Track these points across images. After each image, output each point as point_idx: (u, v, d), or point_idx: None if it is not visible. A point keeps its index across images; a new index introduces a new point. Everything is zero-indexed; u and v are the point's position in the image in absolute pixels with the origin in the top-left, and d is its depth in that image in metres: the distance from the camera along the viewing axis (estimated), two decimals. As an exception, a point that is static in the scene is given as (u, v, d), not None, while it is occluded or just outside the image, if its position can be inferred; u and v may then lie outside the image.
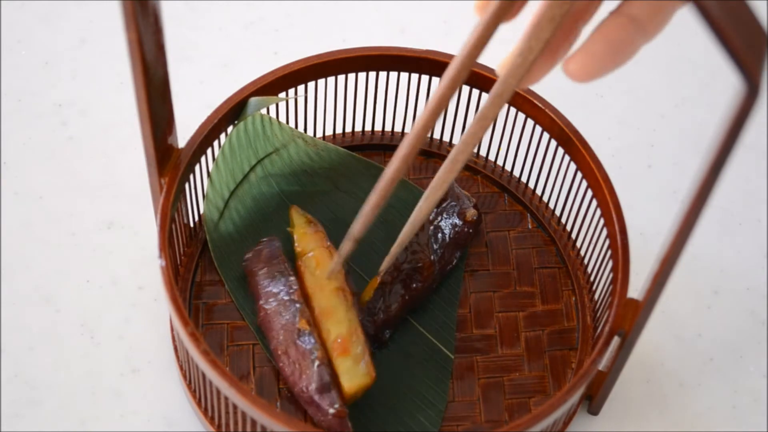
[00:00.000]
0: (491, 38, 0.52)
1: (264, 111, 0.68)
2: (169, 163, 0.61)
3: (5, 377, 0.64)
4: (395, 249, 0.63)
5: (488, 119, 0.54)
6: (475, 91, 0.76)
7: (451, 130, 0.74)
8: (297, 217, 0.67)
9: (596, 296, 0.67)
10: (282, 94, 0.68)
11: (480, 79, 0.68)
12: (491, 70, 0.68)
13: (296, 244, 0.66)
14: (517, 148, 0.72)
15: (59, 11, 0.81)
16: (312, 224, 0.67)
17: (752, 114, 0.43)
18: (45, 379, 0.64)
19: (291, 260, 0.66)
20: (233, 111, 0.64)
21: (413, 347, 0.66)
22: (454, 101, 0.75)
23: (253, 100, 0.65)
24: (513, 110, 0.71)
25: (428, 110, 0.54)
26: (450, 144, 0.74)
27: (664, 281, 0.54)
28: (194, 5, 0.83)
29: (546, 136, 0.69)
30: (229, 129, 0.66)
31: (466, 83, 0.68)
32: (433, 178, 0.73)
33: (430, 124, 0.55)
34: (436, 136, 0.75)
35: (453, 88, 0.53)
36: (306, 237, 0.66)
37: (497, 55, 0.80)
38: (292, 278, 0.64)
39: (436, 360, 0.66)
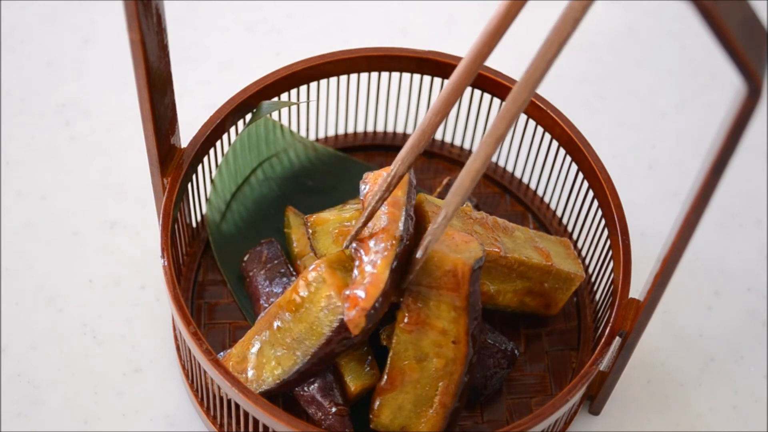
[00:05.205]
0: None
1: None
2: (172, 163, 0.61)
3: (7, 376, 0.64)
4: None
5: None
6: (477, 92, 0.76)
7: (453, 130, 0.74)
8: (293, 218, 0.67)
9: (597, 296, 0.67)
10: (285, 96, 0.68)
11: (480, 79, 0.68)
12: (492, 70, 0.68)
13: (294, 245, 0.66)
14: (518, 148, 0.72)
15: (62, 11, 0.82)
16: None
17: (754, 115, 0.43)
18: (47, 379, 0.65)
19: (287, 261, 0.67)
20: (236, 111, 0.65)
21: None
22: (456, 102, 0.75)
23: (265, 103, 0.65)
24: (514, 111, 0.71)
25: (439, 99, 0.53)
26: (451, 144, 0.75)
27: (665, 282, 0.54)
28: (197, 6, 0.83)
29: (547, 136, 0.69)
30: (232, 129, 0.66)
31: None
32: (434, 178, 0.73)
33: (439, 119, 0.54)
34: (438, 136, 0.75)
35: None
36: (305, 237, 0.66)
37: (499, 56, 0.80)
38: (294, 278, 0.64)
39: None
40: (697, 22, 0.83)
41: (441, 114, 0.53)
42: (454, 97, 0.53)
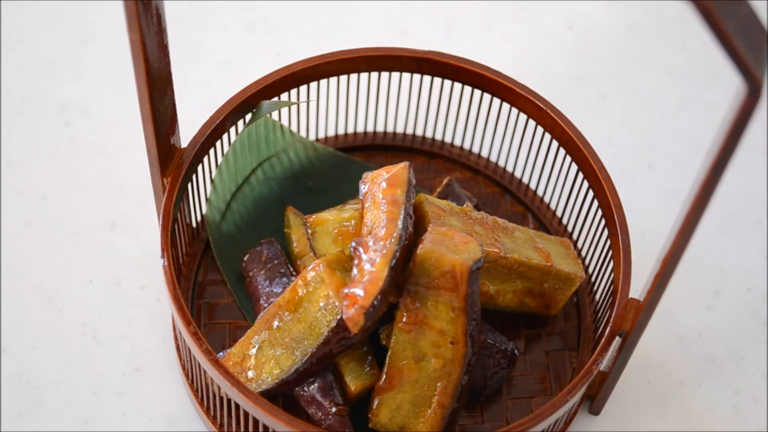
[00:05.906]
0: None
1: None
2: (172, 162, 0.61)
3: (8, 376, 0.64)
4: None
5: None
6: (477, 92, 0.76)
7: (453, 130, 0.74)
8: (293, 218, 0.67)
9: (597, 296, 0.67)
10: (285, 96, 0.68)
11: (480, 79, 0.68)
12: (492, 70, 0.68)
13: (294, 245, 0.66)
14: (518, 148, 0.72)
15: (62, 11, 0.82)
16: None
17: (754, 115, 0.43)
18: (47, 379, 0.65)
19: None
20: (236, 111, 0.65)
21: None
22: (455, 101, 0.75)
23: (264, 103, 0.65)
24: (515, 111, 0.71)
25: None
26: (451, 144, 0.75)
27: (665, 282, 0.54)
28: (197, 6, 0.83)
29: (547, 136, 0.69)
30: (232, 129, 0.66)
31: (467, 83, 0.68)
32: (434, 178, 0.73)
33: None
34: (438, 136, 0.75)
35: None
36: (305, 237, 0.66)
37: (499, 55, 0.80)
38: (294, 278, 0.64)
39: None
40: (697, 22, 0.83)
41: None
42: None
